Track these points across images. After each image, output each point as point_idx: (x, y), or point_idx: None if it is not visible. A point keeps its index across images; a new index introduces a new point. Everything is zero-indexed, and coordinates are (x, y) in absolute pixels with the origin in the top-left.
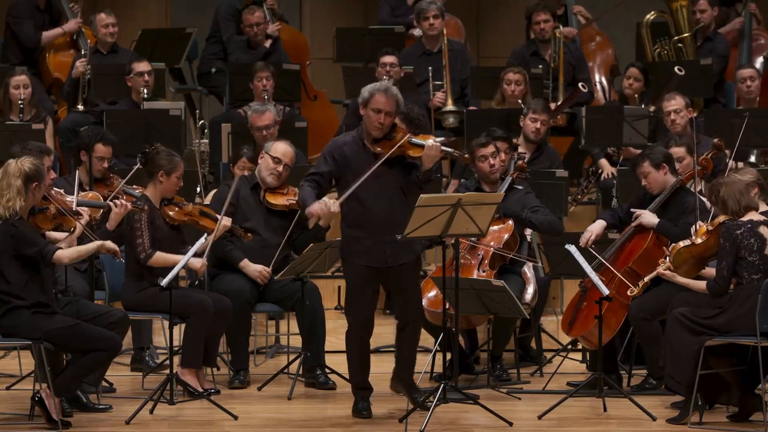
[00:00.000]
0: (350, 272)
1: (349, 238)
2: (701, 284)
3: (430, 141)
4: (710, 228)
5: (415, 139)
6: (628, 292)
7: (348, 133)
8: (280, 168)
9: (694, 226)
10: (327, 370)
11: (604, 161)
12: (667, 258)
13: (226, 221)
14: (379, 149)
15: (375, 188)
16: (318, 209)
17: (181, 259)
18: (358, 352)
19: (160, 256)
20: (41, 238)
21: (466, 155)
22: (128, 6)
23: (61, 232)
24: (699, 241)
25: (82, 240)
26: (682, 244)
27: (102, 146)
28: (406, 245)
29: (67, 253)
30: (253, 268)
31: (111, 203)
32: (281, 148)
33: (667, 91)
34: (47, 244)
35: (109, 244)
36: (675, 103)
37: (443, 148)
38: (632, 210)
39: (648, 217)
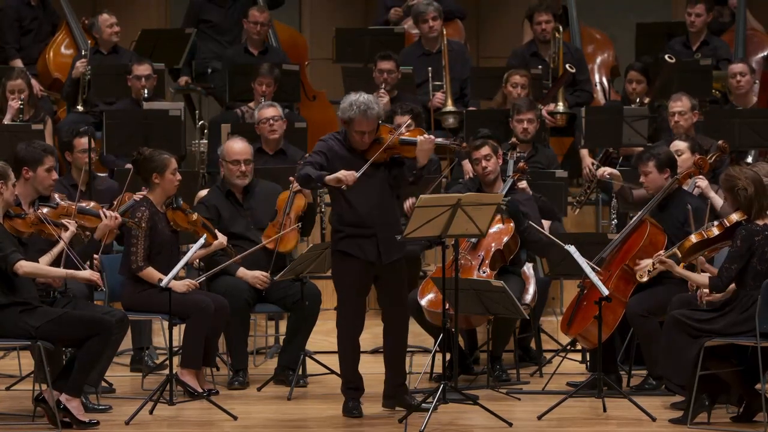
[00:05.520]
0: (342, 268)
1: (341, 236)
2: (702, 278)
3: (422, 136)
4: (727, 224)
5: (406, 137)
6: (638, 276)
7: (334, 133)
8: (243, 167)
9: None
10: (300, 373)
11: (584, 152)
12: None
13: (222, 239)
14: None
15: (362, 188)
16: (342, 174)
17: (181, 260)
18: (351, 346)
19: (150, 272)
20: (9, 244)
21: (464, 144)
22: (128, 6)
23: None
24: (713, 234)
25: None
26: (694, 238)
27: (80, 139)
28: (397, 243)
29: (27, 267)
30: (252, 275)
31: (102, 212)
32: (235, 148)
33: (661, 83)
34: (13, 251)
35: (88, 274)
36: (681, 104)
37: (437, 140)
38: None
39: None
